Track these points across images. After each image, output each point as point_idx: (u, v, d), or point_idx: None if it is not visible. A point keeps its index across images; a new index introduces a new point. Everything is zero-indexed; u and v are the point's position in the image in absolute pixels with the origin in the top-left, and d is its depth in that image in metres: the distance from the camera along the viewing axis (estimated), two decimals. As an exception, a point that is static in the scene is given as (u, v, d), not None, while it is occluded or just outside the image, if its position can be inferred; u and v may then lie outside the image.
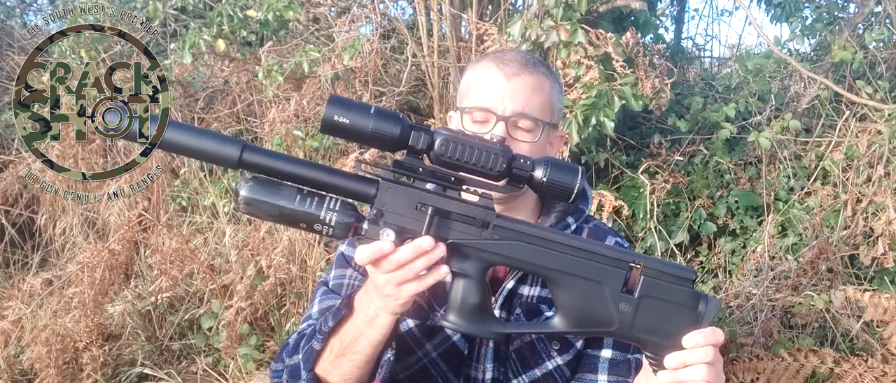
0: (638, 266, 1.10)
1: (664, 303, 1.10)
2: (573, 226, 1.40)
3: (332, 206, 1.02)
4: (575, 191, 1.08)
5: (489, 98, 1.32)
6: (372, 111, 1.01)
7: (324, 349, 1.20)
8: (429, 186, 1.07)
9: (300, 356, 1.23)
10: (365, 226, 1.03)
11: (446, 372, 1.36)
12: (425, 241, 1.02)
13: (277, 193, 1.01)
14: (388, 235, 1.03)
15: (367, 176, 1.06)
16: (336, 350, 1.19)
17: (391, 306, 1.10)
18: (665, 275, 1.10)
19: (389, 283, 1.06)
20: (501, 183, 1.09)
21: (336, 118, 1.00)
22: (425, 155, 1.06)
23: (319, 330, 1.20)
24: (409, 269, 1.03)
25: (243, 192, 1.01)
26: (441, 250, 1.03)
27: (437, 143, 1.04)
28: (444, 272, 1.05)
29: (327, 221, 1.02)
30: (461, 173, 1.07)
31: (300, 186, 1.03)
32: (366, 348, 1.15)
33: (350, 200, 1.05)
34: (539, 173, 1.07)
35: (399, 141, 1.03)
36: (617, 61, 2.84)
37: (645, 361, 1.18)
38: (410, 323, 1.34)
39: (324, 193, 1.03)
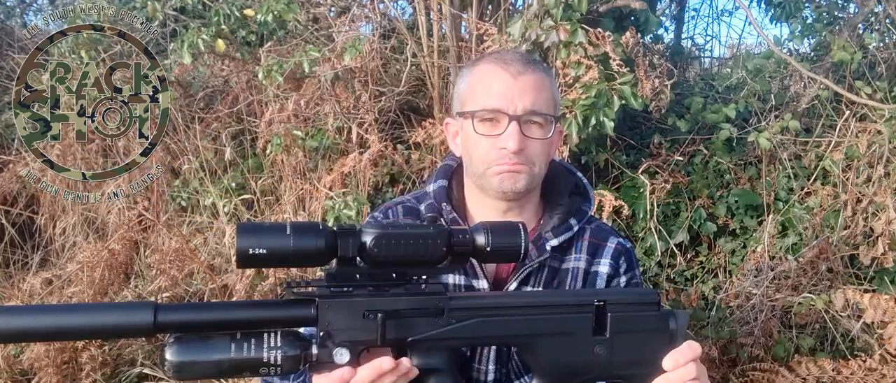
0: (601, 303, 1.07)
1: (637, 334, 1.07)
2: (575, 228, 1.40)
3: (272, 344, 0.93)
4: (521, 251, 1.02)
5: (498, 98, 1.30)
6: (288, 231, 0.92)
7: None
8: (370, 290, 1.00)
9: None
10: (314, 351, 0.95)
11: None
12: (385, 363, 0.95)
13: (208, 347, 0.91)
14: (342, 356, 0.94)
15: (302, 297, 0.98)
16: None
17: None
18: (630, 305, 1.09)
19: None
20: (444, 263, 1.02)
21: (252, 251, 0.90)
22: (358, 258, 0.97)
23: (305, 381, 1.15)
24: None
25: (170, 357, 0.90)
26: (404, 366, 0.97)
27: (368, 244, 0.94)
28: (412, 375, 0.99)
29: (272, 361, 0.92)
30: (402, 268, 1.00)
31: (231, 331, 0.93)
32: None
33: (291, 329, 0.96)
34: (481, 241, 1.01)
35: (327, 253, 0.94)
36: (614, 60, 2.84)
37: None
38: None
39: (260, 330, 0.94)
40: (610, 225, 1.85)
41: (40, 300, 3.37)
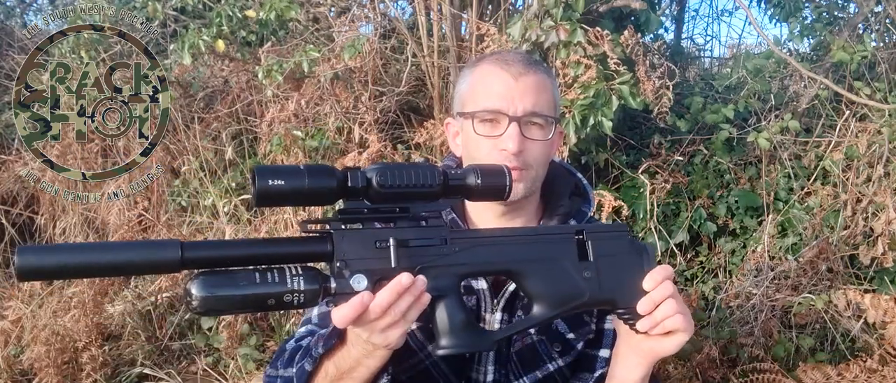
0: (581, 234, 1.16)
1: (617, 258, 1.16)
2: (576, 228, 1.40)
3: (295, 273, 0.97)
4: (506, 189, 1.10)
5: (498, 99, 1.30)
6: (303, 168, 0.98)
7: (317, 370, 1.18)
8: (378, 225, 1.05)
9: (294, 371, 1.22)
10: (333, 284, 0.99)
11: (448, 374, 1.36)
12: (404, 278, 0.99)
13: (234, 281, 0.94)
14: (360, 282, 0.99)
15: (317, 233, 1.03)
16: (331, 374, 1.16)
17: (383, 350, 1.07)
18: (605, 232, 1.19)
19: (374, 333, 1.02)
20: (441, 198, 1.08)
21: (271, 183, 0.95)
22: (365, 196, 1.04)
23: (310, 354, 1.18)
24: (395, 311, 0.99)
25: (196, 291, 0.92)
26: (422, 282, 1.01)
27: (373, 178, 1.01)
28: (425, 300, 1.03)
29: (296, 288, 0.96)
30: (404, 203, 1.06)
31: (254, 266, 0.97)
32: (364, 374, 1.13)
33: (309, 265, 1.01)
34: (471, 180, 1.09)
35: (337, 191, 1.00)
36: (612, 59, 2.83)
37: (620, 326, 1.21)
38: (412, 325, 1.34)
39: (282, 265, 0.98)
40: (610, 225, 1.85)
41: (40, 300, 3.37)
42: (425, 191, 1.05)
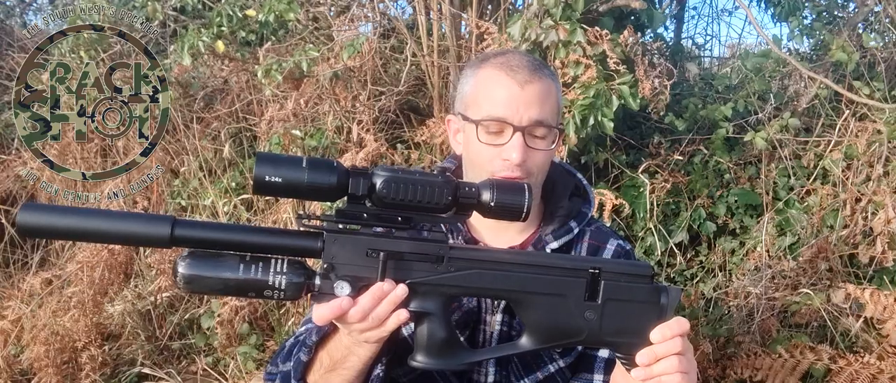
0: (596, 271, 1.09)
1: (627, 303, 1.10)
2: (576, 230, 1.39)
3: (279, 269, 0.98)
4: (524, 210, 1.05)
5: (503, 108, 1.27)
6: (304, 164, 0.97)
7: (313, 360, 1.20)
8: (377, 229, 1.04)
9: (291, 363, 1.23)
10: (317, 282, 1.00)
11: (448, 374, 1.36)
12: (385, 285, 1.00)
13: (219, 265, 0.96)
14: (342, 288, 0.99)
15: (311, 230, 1.02)
16: (325, 364, 1.18)
17: (365, 346, 1.09)
18: (624, 275, 1.11)
19: (353, 332, 1.05)
20: (449, 213, 1.06)
21: (267, 179, 0.96)
22: (367, 199, 1.02)
23: (305, 344, 1.20)
24: (374, 318, 1.01)
25: (182, 270, 0.96)
26: (402, 290, 1.01)
27: (378, 186, 1.00)
28: (403, 317, 1.03)
29: (276, 285, 0.97)
30: (408, 212, 1.04)
31: (242, 253, 0.98)
32: (356, 364, 1.14)
33: (297, 258, 1.01)
34: (486, 197, 1.05)
35: (338, 189, 0.99)
36: (611, 58, 2.83)
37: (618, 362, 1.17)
38: (413, 325, 1.34)
39: (268, 256, 0.99)
40: (610, 226, 1.85)
41: (40, 300, 3.37)
42: (431, 206, 1.02)
